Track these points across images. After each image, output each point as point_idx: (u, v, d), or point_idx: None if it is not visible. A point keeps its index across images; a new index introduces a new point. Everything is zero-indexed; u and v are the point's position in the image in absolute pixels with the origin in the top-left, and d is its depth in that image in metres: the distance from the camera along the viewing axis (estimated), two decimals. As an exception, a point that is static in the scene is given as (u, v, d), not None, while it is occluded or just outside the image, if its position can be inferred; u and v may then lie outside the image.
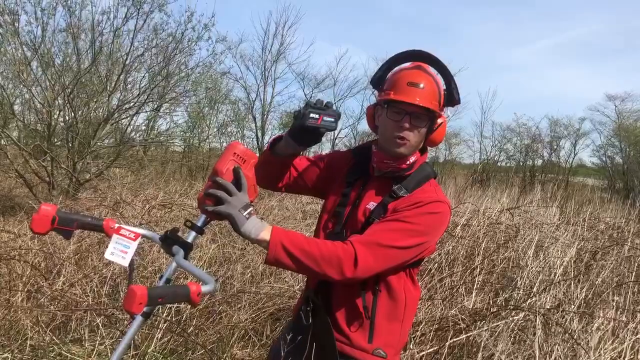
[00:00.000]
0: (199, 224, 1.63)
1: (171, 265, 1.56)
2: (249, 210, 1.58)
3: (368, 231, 1.70)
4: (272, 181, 2.03)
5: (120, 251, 1.60)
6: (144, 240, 1.68)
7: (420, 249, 1.74)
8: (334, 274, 1.61)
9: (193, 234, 1.62)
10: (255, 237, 1.58)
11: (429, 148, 1.95)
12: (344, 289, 1.79)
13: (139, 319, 1.46)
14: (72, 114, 9.94)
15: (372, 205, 1.80)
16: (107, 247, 1.61)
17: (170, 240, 1.59)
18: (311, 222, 6.72)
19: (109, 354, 3.56)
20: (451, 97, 1.84)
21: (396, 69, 1.85)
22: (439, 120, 1.83)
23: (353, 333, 1.78)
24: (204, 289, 1.34)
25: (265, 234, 1.59)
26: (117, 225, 1.63)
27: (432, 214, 1.73)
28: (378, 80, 1.87)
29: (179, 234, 1.62)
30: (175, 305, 3.92)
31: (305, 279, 2.05)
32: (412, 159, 1.84)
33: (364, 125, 25.06)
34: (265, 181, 1.99)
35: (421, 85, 1.75)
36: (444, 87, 1.84)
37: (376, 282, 1.78)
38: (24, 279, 4.26)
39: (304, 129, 1.73)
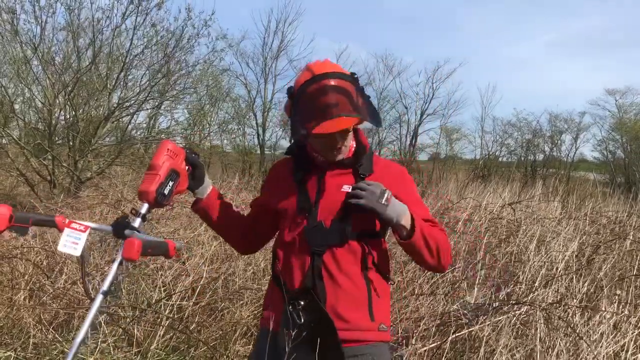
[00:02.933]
0: (143, 212, 1.80)
1: (121, 247, 1.68)
2: (385, 197, 1.72)
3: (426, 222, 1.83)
4: (248, 240, 2.11)
5: (72, 243, 1.72)
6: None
7: None
8: (445, 263, 1.84)
9: (139, 220, 1.78)
10: (397, 223, 1.75)
11: None
12: (338, 276, 1.79)
13: (100, 297, 1.67)
14: (73, 113, 9.96)
15: (347, 187, 1.82)
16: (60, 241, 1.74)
17: (121, 226, 1.76)
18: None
19: (112, 352, 3.57)
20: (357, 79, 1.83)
21: (304, 96, 1.77)
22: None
23: (355, 315, 1.78)
24: (177, 245, 1.71)
25: (407, 221, 1.76)
26: (67, 220, 1.75)
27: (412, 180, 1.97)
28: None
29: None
30: (177, 302, 3.93)
31: (278, 284, 1.92)
32: (353, 147, 1.92)
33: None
34: (244, 245, 2.16)
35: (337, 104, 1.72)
36: (355, 87, 1.80)
37: (368, 260, 1.84)
38: (26, 278, 4.27)
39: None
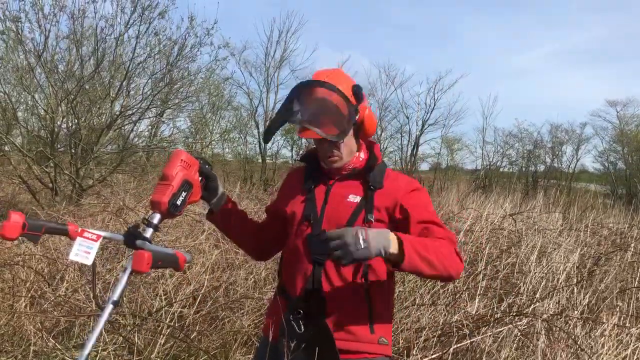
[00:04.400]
0: (155, 222, 1.77)
1: (131, 257, 1.70)
2: (361, 239, 1.54)
3: (425, 223, 1.79)
4: (261, 246, 2.11)
5: (83, 252, 1.71)
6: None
7: None
8: (453, 271, 1.72)
9: (151, 230, 1.76)
10: (387, 255, 1.60)
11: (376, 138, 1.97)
12: (339, 286, 1.79)
13: (110, 307, 1.65)
14: (76, 120, 9.99)
15: (353, 198, 1.83)
16: (71, 249, 1.73)
17: (133, 236, 1.73)
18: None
19: (112, 360, 3.57)
20: (357, 91, 1.82)
21: (289, 94, 1.84)
22: (362, 114, 1.83)
23: (355, 327, 1.78)
24: (187, 257, 1.70)
25: (394, 247, 1.60)
26: (80, 228, 1.74)
27: (425, 192, 1.92)
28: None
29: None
30: (178, 310, 3.93)
31: (279, 292, 1.98)
32: (361, 156, 1.91)
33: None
34: (258, 252, 2.16)
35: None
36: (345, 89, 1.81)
37: (367, 272, 1.81)
38: (27, 285, 4.27)
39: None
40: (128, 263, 1.66)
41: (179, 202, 1.78)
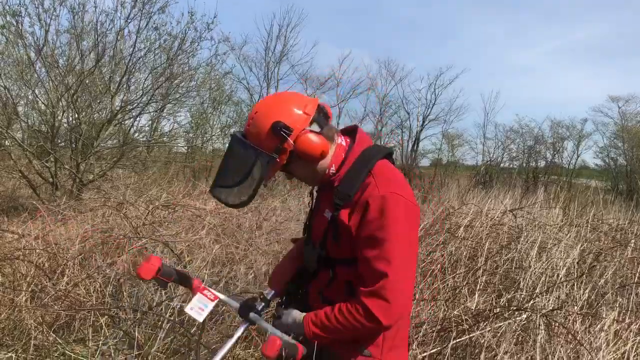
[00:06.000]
0: (269, 297, 1.96)
1: (243, 326, 1.89)
2: (288, 338, 1.73)
3: (363, 273, 1.70)
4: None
5: (198, 308, 1.86)
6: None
7: (416, 242, 1.76)
8: (372, 332, 1.74)
9: (263, 304, 1.91)
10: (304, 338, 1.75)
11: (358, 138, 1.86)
12: (326, 293, 1.84)
13: (245, 325, 1.87)
14: (76, 115, 9.99)
15: (327, 214, 1.80)
16: (189, 301, 1.90)
17: (248, 308, 1.88)
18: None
19: (113, 354, 3.58)
20: (276, 130, 1.70)
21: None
22: (296, 146, 1.73)
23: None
24: (304, 351, 1.72)
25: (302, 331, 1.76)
26: (202, 285, 1.91)
27: (393, 214, 1.66)
28: None
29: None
30: (179, 305, 3.94)
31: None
32: (332, 169, 1.81)
33: (366, 127, 25.08)
34: None
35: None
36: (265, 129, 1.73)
37: (352, 286, 1.78)
38: (28, 279, 4.28)
39: None
40: (238, 330, 1.87)
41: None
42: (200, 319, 1.85)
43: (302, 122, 1.73)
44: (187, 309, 1.85)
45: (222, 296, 1.89)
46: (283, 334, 1.75)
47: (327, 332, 1.72)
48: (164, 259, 4.66)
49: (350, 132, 1.90)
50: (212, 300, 1.87)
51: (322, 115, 1.79)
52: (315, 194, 1.97)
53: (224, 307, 4.03)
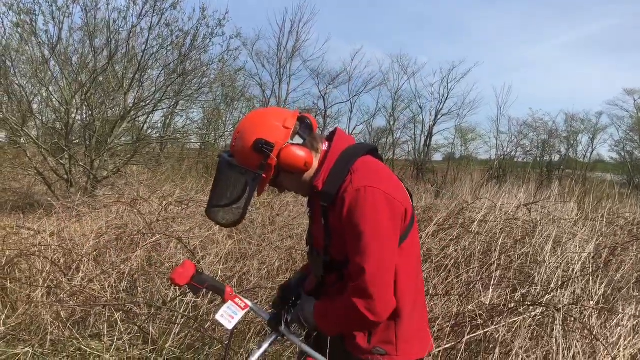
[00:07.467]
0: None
1: (272, 337, 1.92)
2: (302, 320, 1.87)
3: (349, 268, 1.71)
4: None
5: (229, 315, 1.88)
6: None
7: (394, 234, 1.71)
8: (357, 328, 1.76)
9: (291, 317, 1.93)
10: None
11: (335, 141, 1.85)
12: (335, 296, 1.81)
13: (273, 336, 1.91)
14: (90, 112, 10.08)
15: (322, 221, 1.80)
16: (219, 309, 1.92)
17: (278, 321, 1.90)
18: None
19: (127, 349, 3.61)
20: (258, 147, 1.72)
21: None
22: (280, 160, 1.75)
23: (355, 334, 1.79)
24: None
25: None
26: (234, 293, 1.94)
27: (367, 207, 1.66)
28: None
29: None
30: (193, 300, 3.96)
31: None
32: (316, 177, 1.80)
33: (378, 122, 25.02)
34: None
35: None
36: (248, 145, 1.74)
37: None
38: (43, 275, 4.32)
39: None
40: (269, 338, 1.91)
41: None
42: (230, 326, 1.86)
43: (282, 136, 1.74)
44: (218, 317, 1.87)
45: (251, 304, 1.92)
46: (317, 353, 1.76)
47: (326, 322, 1.79)
48: (177, 254, 4.68)
49: (332, 135, 1.90)
50: (243, 309, 1.89)
51: (304, 126, 1.80)
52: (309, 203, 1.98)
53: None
